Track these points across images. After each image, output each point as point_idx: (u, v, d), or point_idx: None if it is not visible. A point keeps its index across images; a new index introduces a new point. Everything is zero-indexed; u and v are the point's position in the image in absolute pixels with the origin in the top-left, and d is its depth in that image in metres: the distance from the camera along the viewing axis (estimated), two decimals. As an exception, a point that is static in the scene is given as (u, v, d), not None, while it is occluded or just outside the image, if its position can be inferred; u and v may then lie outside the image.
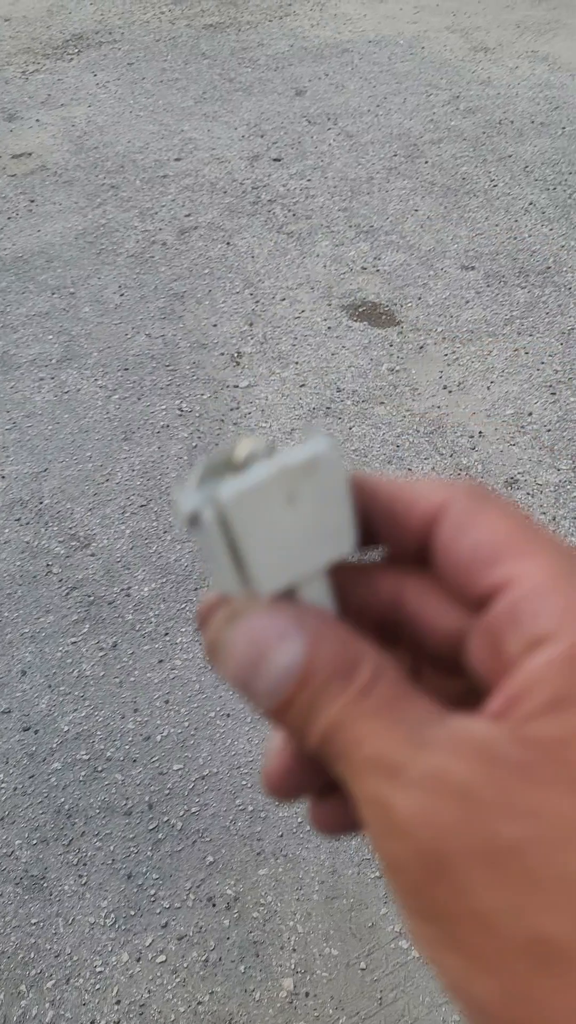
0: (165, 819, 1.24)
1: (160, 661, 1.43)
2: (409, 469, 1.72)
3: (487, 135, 2.79)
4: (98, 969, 1.10)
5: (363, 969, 1.10)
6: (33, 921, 1.15)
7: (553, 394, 1.88)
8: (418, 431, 1.81)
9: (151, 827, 1.24)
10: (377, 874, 1.18)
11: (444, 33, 3.49)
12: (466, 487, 0.24)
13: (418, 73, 3.19)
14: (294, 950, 1.12)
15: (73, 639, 1.46)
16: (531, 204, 2.45)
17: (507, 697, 0.20)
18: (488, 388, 1.90)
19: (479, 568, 0.22)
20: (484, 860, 0.18)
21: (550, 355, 1.97)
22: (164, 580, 1.55)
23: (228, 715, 1.36)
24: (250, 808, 1.25)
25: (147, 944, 1.13)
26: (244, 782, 1.28)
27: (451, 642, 0.24)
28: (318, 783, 0.25)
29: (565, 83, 3.09)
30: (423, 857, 0.18)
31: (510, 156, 2.67)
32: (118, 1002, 1.08)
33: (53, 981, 1.09)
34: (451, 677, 0.25)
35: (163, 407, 1.88)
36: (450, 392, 1.89)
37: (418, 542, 0.25)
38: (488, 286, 2.17)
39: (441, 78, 3.15)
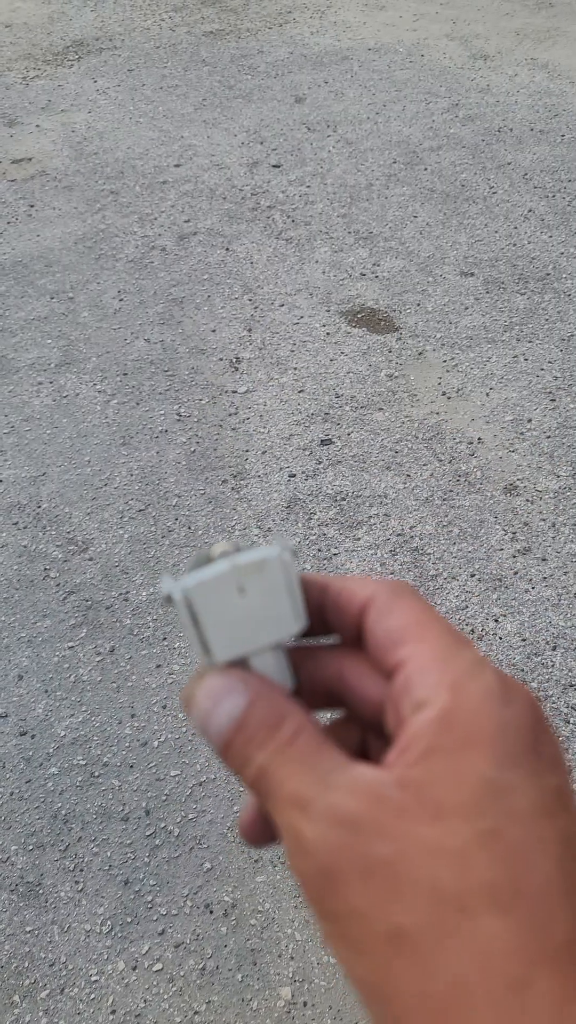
0: (162, 825, 1.23)
1: (158, 666, 1.42)
2: (408, 475, 1.72)
3: (486, 142, 2.79)
4: (93, 978, 1.09)
5: (361, 978, 1.09)
6: (28, 929, 1.13)
7: (553, 400, 1.87)
8: (417, 437, 1.80)
9: (148, 833, 1.23)
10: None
11: (444, 41, 3.49)
12: (390, 584, 0.30)
13: (417, 80, 3.19)
14: (292, 958, 1.11)
15: (70, 644, 1.45)
16: (530, 211, 2.45)
17: (398, 749, 0.25)
18: (487, 394, 1.89)
19: (389, 649, 0.28)
20: (362, 872, 0.23)
21: (549, 362, 1.97)
22: (158, 589, 1.54)
23: (226, 721, 1.35)
24: (247, 815, 1.24)
25: (143, 952, 1.11)
26: (242, 789, 1.27)
27: (378, 709, 0.30)
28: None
29: (564, 90, 3.09)
30: (321, 871, 0.24)
31: (509, 163, 2.67)
32: (113, 1012, 1.06)
33: (47, 991, 1.08)
34: (384, 738, 0.31)
35: (162, 412, 1.87)
36: (449, 398, 1.89)
37: (356, 628, 0.30)
38: (487, 292, 2.17)
39: (440, 85, 3.15)
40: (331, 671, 0.31)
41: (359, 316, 2.12)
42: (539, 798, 0.24)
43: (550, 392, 1.89)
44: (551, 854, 0.23)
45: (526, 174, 2.62)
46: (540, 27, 3.56)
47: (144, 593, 1.52)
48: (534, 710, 0.26)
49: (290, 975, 1.09)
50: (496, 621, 1.48)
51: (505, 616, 1.49)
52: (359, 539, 1.61)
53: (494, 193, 2.54)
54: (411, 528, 1.63)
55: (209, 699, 0.28)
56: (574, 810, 0.24)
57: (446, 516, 1.66)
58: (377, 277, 2.24)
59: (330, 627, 0.31)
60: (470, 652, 0.27)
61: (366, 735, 0.32)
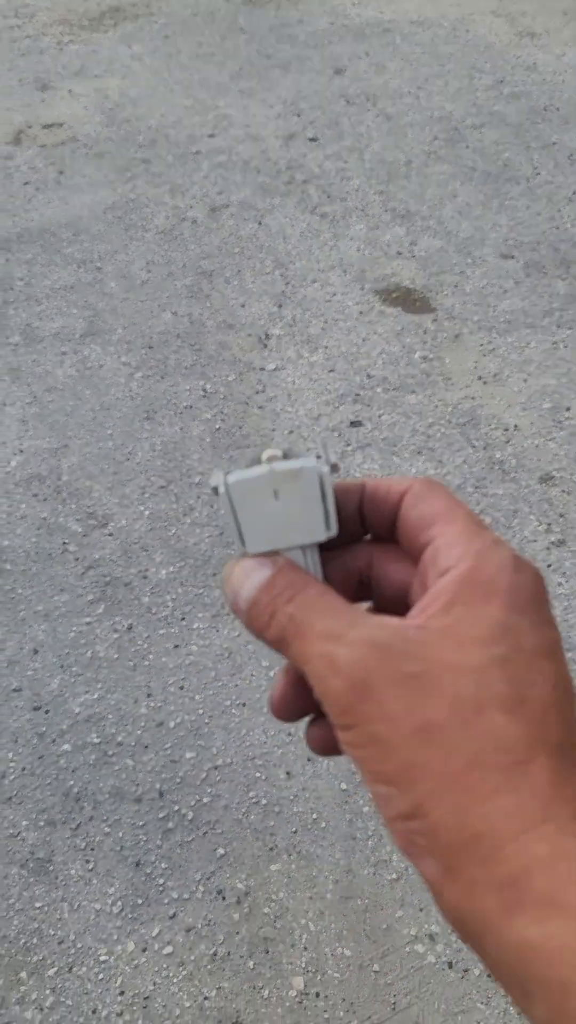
0: (176, 808, 1.23)
1: (176, 646, 1.41)
2: (440, 461, 1.70)
3: (531, 121, 2.76)
4: (102, 958, 1.09)
5: (376, 972, 1.08)
6: (37, 905, 1.14)
7: (592, 389, 1.85)
8: (450, 422, 1.79)
9: (161, 815, 1.22)
10: (394, 876, 1.16)
11: (489, 17, 3.45)
12: (424, 478, 0.34)
13: (461, 56, 3.16)
14: (305, 949, 1.10)
15: (88, 619, 1.45)
16: (575, 193, 2.42)
17: (419, 607, 0.30)
18: (525, 381, 1.87)
19: (422, 530, 0.33)
20: (394, 682, 0.28)
21: (590, 349, 1.95)
22: (182, 564, 1.53)
23: (244, 704, 1.34)
24: (264, 802, 1.24)
25: (154, 935, 1.11)
26: (258, 775, 1.27)
27: (404, 592, 0.34)
28: (313, 706, 0.34)
29: (614, 71, 3.05)
30: (355, 683, 0.28)
31: (554, 143, 2.64)
32: (121, 993, 1.06)
33: (55, 968, 1.08)
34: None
35: (187, 387, 1.86)
36: (485, 383, 1.87)
37: (390, 519, 0.35)
38: (528, 276, 2.15)
39: (485, 62, 3.12)
40: (361, 561, 0.36)
41: (394, 295, 2.11)
42: (541, 642, 0.29)
43: (590, 380, 1.87)
44: (548, 681, 0.28)
45: (571, 155, 2.59)
46: (591, 5, 3.52)
47: (164, 571, 1.52)
48: (540, 580, 0.30)
49: (303, 965, 1.09)
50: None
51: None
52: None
53: (537, 174, 2.51)
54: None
55: (243, 573, 0.33)
56: (565, 662, 0.29)
57: (478, 504, 1.65)
58: (414, 256, 2.22)
59: (367, 524, 0.36)
60: (491, 534, 0.32)
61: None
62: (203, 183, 2.48)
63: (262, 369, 1.90)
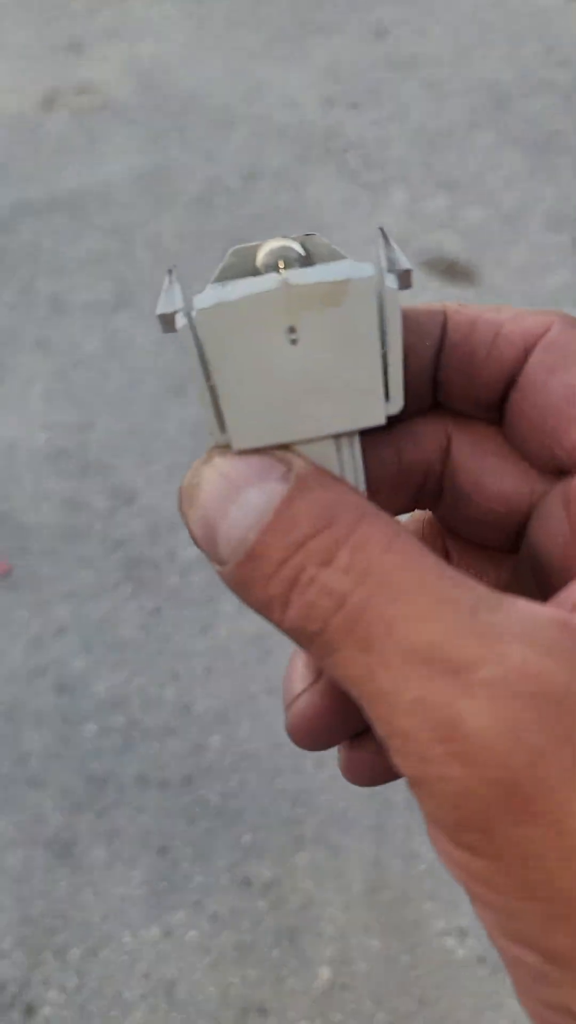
0: (201, 794, 1.25)
1: (203, 630, 1.43)
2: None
3: (582, 89, 2.73)
4: (126, 942, 1.11)
5: (405, 965, 1.10)
6: (61, 888, 1.16)
7: None
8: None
9: (186, 801, 1.24)
10: (424, 867, 1.17)
11: (540, -23, 3.42)
12: (566, 316, 0.21)
13: (508, 21, 3.13)
14: (332, 939, 1.12)
15: (113, 600, 1.47)
16: (627, 165, 2.40)
17: None
18: None
19: (569, 420, 0.19)
20: None
21: None
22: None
23: (272, 691, 1.36)
24: (291, 790, 1.25)
25: (178, 921, 1.13)
26: (286, 763, 1.28)
27: (509, 512, 0.21)
28: (355, 724, 0.22)
29: None
30: (501, 786, 0.15)
31: (606, 112, 2.62)
32: (146, 977, 1.09)
33: (79, 951, 1.11)
34: (490, 563, 0.23)
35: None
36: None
37: (499, 384, 0.21)
38: (575, 252, 2.13)
39: (533, 28, 3.09)
40: (428, 448, 0.22)
41: (436, 268, 2.10)
42: None
43: None
44: None
45: (624, 124, 2.56)
46: None
47: (192, 552, 1.53)
48: None
49: (329, 956, 1.10)
50: None
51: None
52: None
53: (588, 144, 2.49)
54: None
55: (227, 482, 0.19)
56: None
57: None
58: (457, 228, 2.22)
59: (444, 385, 0.22)
60: None
61: (456, 559, 0.23)
62: (237, 151, 2.48)
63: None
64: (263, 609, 0.18)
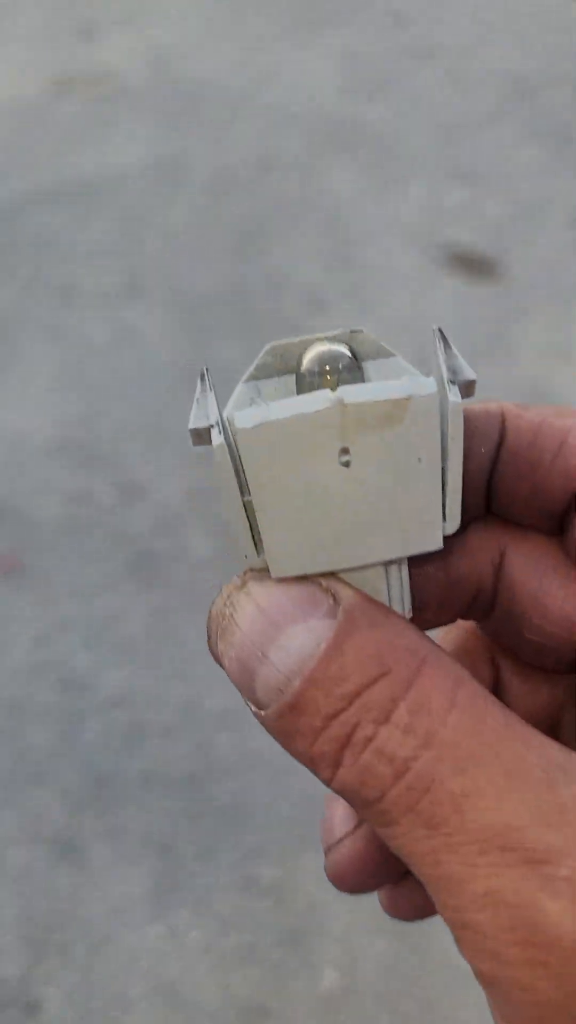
0: (206, 794, 1.26)
1: (211, 626, 1.44)
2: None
3: (607, 79, 2.74)
4: (128, 941, 1.12)
5: (411, 968, 1.11)
6: (63, 886, 1.17)
7: None
8: (516, 398, 1.79)
9: (191, 800, 1.25)
10: (433, 871, 1.18)
11: (566, -36, 3.42)
12: None
13: (531, 10, 3.13)
14: (337, 941, 1.13)
15: (120, 596, 1.48)
16: None
17: None
18: (592, 357, 1.88)
19: None
20: None
21: None
22: (221, 542, 1.56)
23: (281, 689, 1.36)
24: (297, 790, 1.26)
25: (181, 921, 1.15)
26: (293, 763, 1.28)
27: (570, 636, 0.20)
28: (400, 868, 0.20)
29: None
30: None
31: (631, 104, 2.62)
32: (147, 976, 1.10)
33: (80, 950, 1.12)
34: (545, 682, 0.21)
35: (231, 354, 1.88)
36: (552, 357, 1.87)
37: (557, 497, 0.20)
38: (597, 246, 2.14)
39: (557, 17, 3.09)
40: (480, 562, 0.21)
41: (455, 262, 2.11)
42: None
43: None
44: None
45: None
46: None
47: (200, 548, 1.55)
48: None
49: (334, 958, 1.12)
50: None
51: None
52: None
53: (612, 136, 2.50)
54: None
55: (267, 617, 0.17)
56: None
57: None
58: (477, 221, 2.22)
59: (498, 493, 0.21)
60: None
61: (507, 676, 0.22)
62: (253, 139, 2.49)
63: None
64: (309, 764, 0.17)
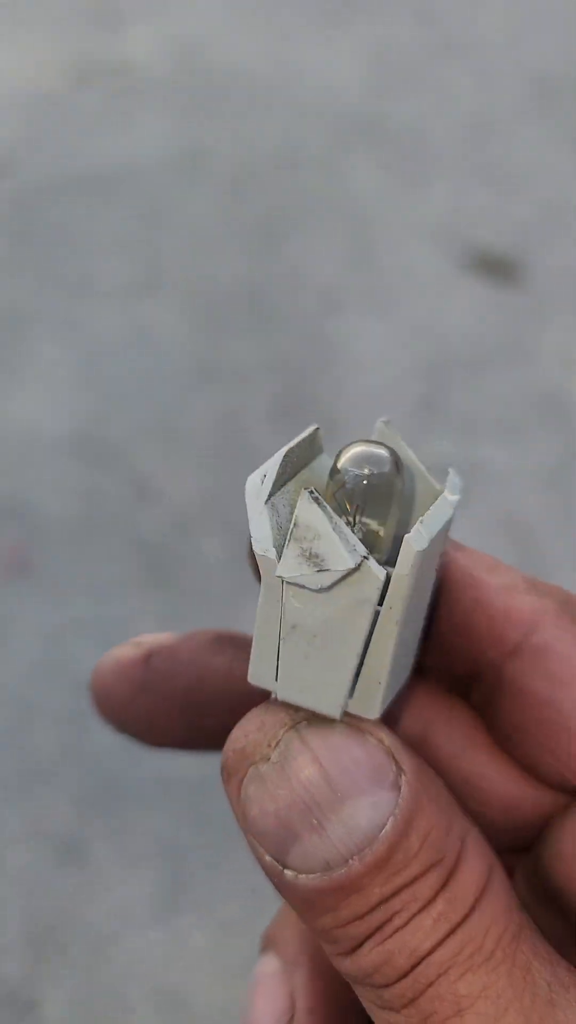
0: (214, 799, 1.27)
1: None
2: (520, 447, 1.71)
3: None
4: (132, 945, 1.13)
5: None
6: (67, 888, 1.18)
7: None
8: (533, 405, 1.80)
9: (198, 807, 1.26)
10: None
11: (598, -38, 3.42)
12: (559, 602, 0.19)
13: (562, 8, 3.13)
14: (344, 953, 1.14)
15: (133, 598, 1.49)
16: None
17: None
18: (613, 364, 1.88)
19: (563, 729, 0.17)
20: None
21: None
22: (238, 544, 1.56)
23: (292, 694, 1.37)
24: (306, 798, 1.27)
25: (185, 927, 1.16)
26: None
27: (507, 819, 0.20)
28: None
29: None
30: None
31: None
32: (150, 979, 1.11)
33: (83, 952, 1.13)
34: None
35: (247, 353, 1.89)
36: (573, 365, 1.88)
37: (490, 671, 0.19)
38: (624, 250, 2.14)
39: (590, 13, 3.09)
40: (408, 729, 0.20)
41: (476, 265, 2.11)
42: None
43: None
44: None
45: None
46: None
47: (215, 550, 1.55)
48: None
49: (341, 970, 1.12)
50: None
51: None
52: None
53: None
54: (519, 507, 1.63)
55: (323, 787, 0.16)
56: None
57: (561, 496, 1.66)
58: (500, 223, 2.23)
59: (447, 654, 0.20)
60: None
61: None
62: (274, 135, 2.50)
63: (329, 336, 1.93)
64: (321, 936, 0.16)
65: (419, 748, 0.20)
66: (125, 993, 1.11)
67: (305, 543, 0.18)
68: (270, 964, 0.24)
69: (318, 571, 0.18)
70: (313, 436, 0.22)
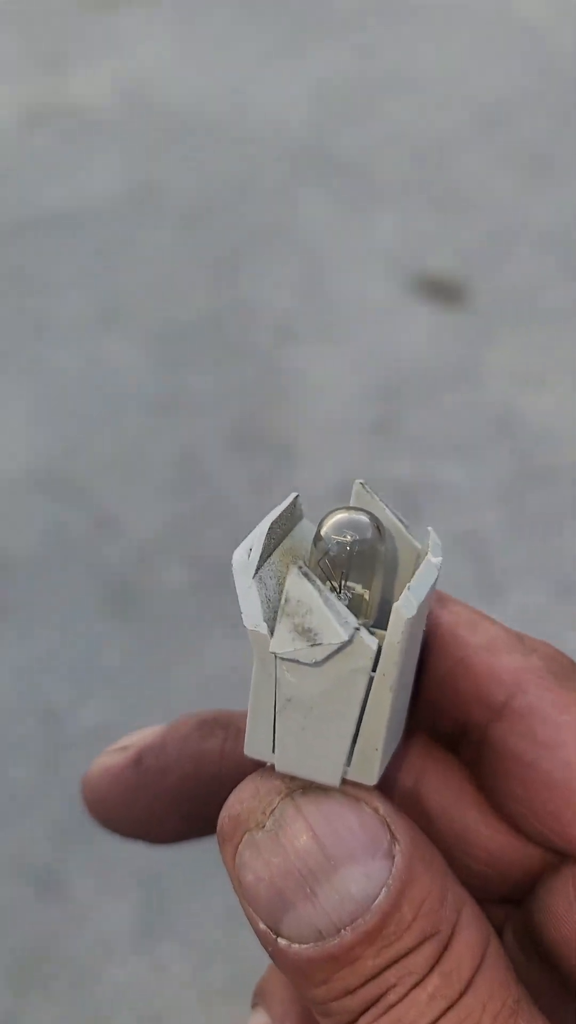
0: (189, 826, 1.27)
1: (191, 659, 1.46)
2: (474, 466, 1.74)
3: (577, 106, 2.80)
4: (112, 974, 1.13)
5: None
6: (46, 921, 1.18)
7: None
8: (487, 425, 1.83)
9: (174, 833, 1.26)
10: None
11: (534, -8, 3.50)
12: (548, 657, 0.19)
13: (502, 40, 3.20)
14: (324, 972, 1.14)
15: (99, 629, 1.50)
16: (622, 183, 2.47)
17: None
18: (564, 381, 1.91)
19: (547, 791, 0.18)
20: None
21: None
22: (200, 574, 1.58)
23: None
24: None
25: (166, 955, 1.16)
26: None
27: (496, 873, 0.20)
28: None
29: None
30: None
31: (601, 130, 2.69)
32: (133, 1010, 1.11)
33: (63, 985, 1.13)
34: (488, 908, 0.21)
35: (205, 385, 1.91)
36: (525, 384, 1.91)
37: (457, 724, 0.20)
38: (570, 272, 2.19)
39: (527, 47, 3.16)
40: (405, 781, 0.21)
41: (427, 289, 2.15)
42: None
43: None
44: None
45: (619, 142, 2.63)
46: None
47: (180, 579, 1.57)
48: None
49: (321, 990, 1.13)
50: None
51: None
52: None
53: (582, 162, 2.55)
54: (477, 524, 1.65)
55: (316, 854, 0.16)
56: None
57: (517, 513, 1.68)
58: (448, 248, 2.27)
59: (435, 712, 0.21)
60: None
61: None
62: (227, 167, 2.53)
63: (285, 365, 1.95)
64: (314, 1006, 0.16)
65: (411, 801, 0.21)
66: (109, 1022, 1.10)
67: (297, 618, 0.19)
68: (260, 1020, 0.25)
69: (311, 646, 0.18)
70: (294, 504, 0.22)
